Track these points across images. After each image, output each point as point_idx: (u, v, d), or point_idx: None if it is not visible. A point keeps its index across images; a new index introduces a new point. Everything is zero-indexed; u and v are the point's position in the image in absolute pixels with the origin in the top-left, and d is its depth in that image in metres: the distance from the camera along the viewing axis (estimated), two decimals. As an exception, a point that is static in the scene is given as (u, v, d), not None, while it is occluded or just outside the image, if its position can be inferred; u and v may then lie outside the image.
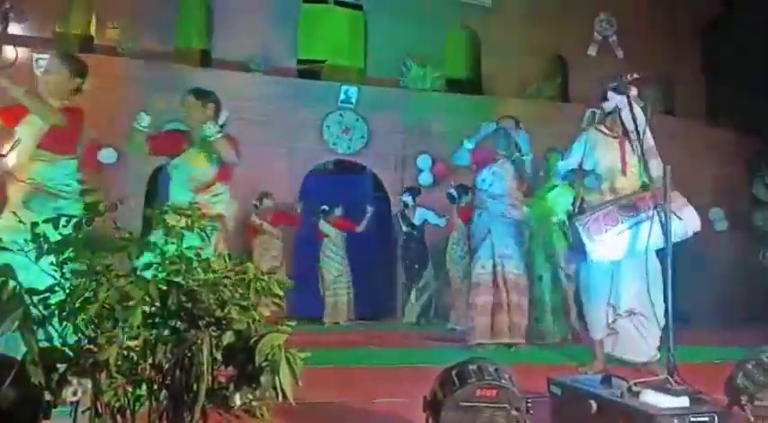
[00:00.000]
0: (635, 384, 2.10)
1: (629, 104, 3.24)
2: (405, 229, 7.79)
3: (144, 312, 1.39)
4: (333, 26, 9.88)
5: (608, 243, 3.21)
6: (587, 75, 9.66)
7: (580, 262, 3.54)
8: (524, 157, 4.90)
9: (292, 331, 1.53)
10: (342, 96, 8.67)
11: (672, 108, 10.70)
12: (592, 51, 10.36)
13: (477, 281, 4.61)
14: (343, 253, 7.69)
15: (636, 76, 3.19)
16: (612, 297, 3.38)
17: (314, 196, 8.07)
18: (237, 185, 7.55)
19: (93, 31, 8.56)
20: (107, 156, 7.49)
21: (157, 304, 1.41)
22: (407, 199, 7.79)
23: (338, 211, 7.80)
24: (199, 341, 1.39)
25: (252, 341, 1.42)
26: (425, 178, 8.75)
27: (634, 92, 3.32)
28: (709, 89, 11.30)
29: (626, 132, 3.47)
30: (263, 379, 1.40)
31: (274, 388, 1.39)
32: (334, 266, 7.61)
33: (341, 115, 8.69)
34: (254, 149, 8.01)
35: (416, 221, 7.75)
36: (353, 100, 8.66)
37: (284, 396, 1.40)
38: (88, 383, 1.38)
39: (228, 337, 1.42)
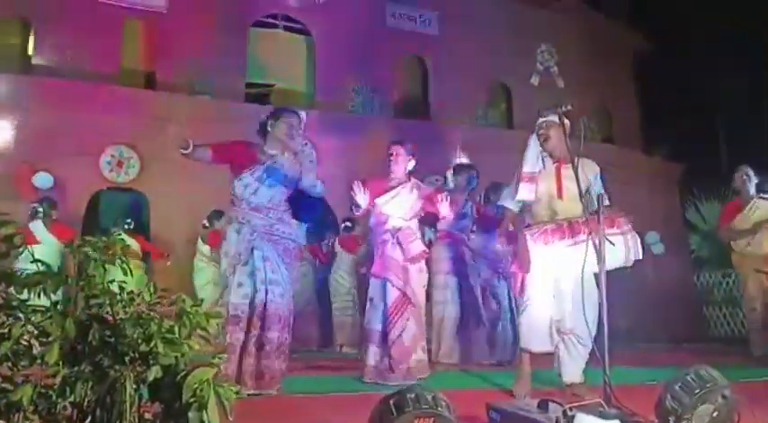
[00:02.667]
0: (570, 408, 2.13)
1: (564, 134, 3.36)
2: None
3: (63, 348, 1.33)
4: (282, 50, 9.91)
5: (554, 255, 3.28)
6: (530, 103, 9.99)
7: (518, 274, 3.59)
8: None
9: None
10: (291, 121, 8.64)
11: (610, 136, 11.16)
12: (534, 81, 10.74)
13: None
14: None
15: (569, 107, 3.31)
16: (554, 313, 3.43)
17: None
18: (185, 212, 7.51)
19: (31, 50, 8.30)
20: (43, 180, 7.17)
21: (78, 340, 1.35)
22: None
23: None
24: (121, 378, 1.33)
25: (180, 376, 1.38)
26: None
27: (567, 122, 3.45)
28: (644, 118, 11.88)
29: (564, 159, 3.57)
30: (190, 415, 1.35)
31: (202, 424, 1.35)
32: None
33: (289, 140, 8.65)
34: (204, 175, 7.91)
35: None
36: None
37: (212, 433, 1.35)
38: (1, 425, 1.30)
39: (155, 373, 1.37)
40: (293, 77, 10.01)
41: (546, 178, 3.56)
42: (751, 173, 5.37)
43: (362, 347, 4.26)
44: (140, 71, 8.98)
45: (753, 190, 5.33)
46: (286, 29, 9.77)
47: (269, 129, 3.85)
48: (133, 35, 8.94)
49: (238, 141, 3.89)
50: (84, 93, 7.65)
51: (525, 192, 3.59)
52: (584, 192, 3.24)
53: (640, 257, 3.32)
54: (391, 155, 4.51)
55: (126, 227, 6.74)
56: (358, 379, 4.11)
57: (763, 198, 5.29)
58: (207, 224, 7.00)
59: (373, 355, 4.08)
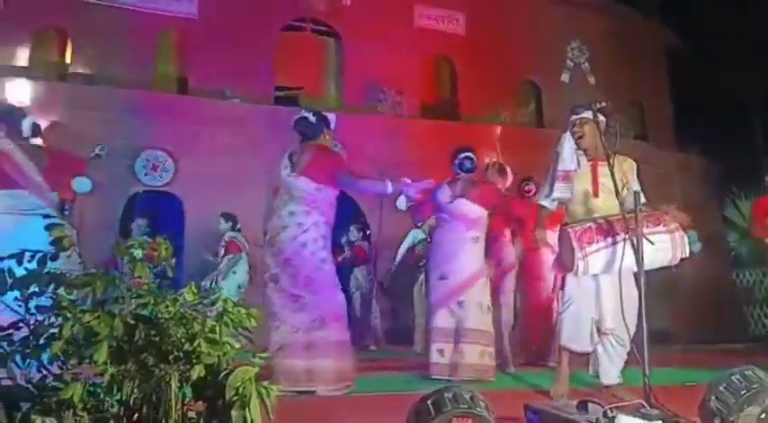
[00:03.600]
0: (610, 409, 2.10)
1: (599, 131, 3.31)
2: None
3: (110, 347, 1.36)
4: (310, 53, 10.00)
5: (597, 254, 3.23)
6: (561, 101, 9.87)
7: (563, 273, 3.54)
8: None
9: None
10: (319, 123, 8.70)
11: (643, 133, 10.95)
12: (564, 78, 10.61)
13: None
14: None
15: (603, 103, 3.26)
16: (595, 313, 3.38)
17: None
18: (217, 214, 7.62)
19: (69, 58, 8.54)
20: (81, 184, 7.33)
21: (125, 339, 1.38)
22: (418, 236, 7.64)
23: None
24: (167, 376, 1.36)
25: (222, 375, 1.40)
26: (402, 202, 8.79)
27: (602, 119, 3.39)
28: (677, 115, 11.63)
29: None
30: (233, 414, 1.37)
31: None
32: None
33: (318, 142, 8.72)
34: (236, 177, 8.03)
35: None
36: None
37: (255, 431, 1.37)
38: (53, 422, 1.34)
39: (198, 372, 1.39)
40: (321, 80, 10.09)
41: (582, 176, 3.50)
42: None
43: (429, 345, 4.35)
44: (173, 77, 9.16)
45: None
46: (314, 32, 9.85)
47: (319, 132, 3.89)
48: (165, 42, 9.13)
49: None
50: (119, 99, 7.83)
51: (562, 190, 3.54)
52: (620, 189, 3.18)
53: (687, 256, 3.24)
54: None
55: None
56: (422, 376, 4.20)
57: None
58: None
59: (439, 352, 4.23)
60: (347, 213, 7.90)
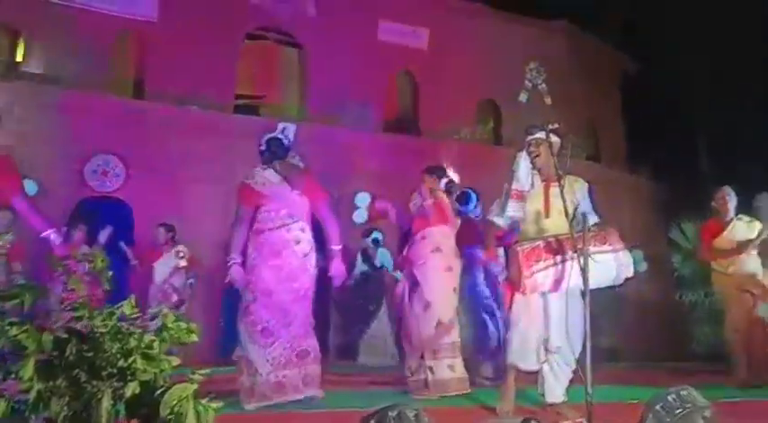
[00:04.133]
0: (552, 428, 2.13)
1: (551, 152, 3.39)
2: (363, 268, 7.69)
3: (39, 363, 1.30)
4: (272, 63, 9.94)
5: (544, 272, 3.28)
6: (518, 120, 10.08)
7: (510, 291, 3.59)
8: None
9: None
10: (278, 134, 8.63)
11: (596, 155, 11.28)
12: (522, 98, 10.85)
13: None
14: None
15: (556, 125, 3.35)
16: (543, 331, 3.43)
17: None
18: (171, 222, 7.44)
19: (20, 57, 8.25)
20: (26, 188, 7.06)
21: (55, 354, 1.33)
22: (376, 236, 7.69)
23: None
24: (99, 393, 1.31)
25: (158, 393, 1.36)
26: (361, 216, 8.80)
27: (555, 140, 3.48)
28: (629, 138, 12.03)
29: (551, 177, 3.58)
30: (168, 432, 1.34)
31: (180, 442, 1.33)
32: None
33: (277, 152, 8.65)
34: (188, 185, 7.88)
35: (378, 263, 7.72)
36: (290, 137, 8.62)
37: (190, 450, 1.33)
38: (-27, 440, 1.27)
39: (132, 389, 1.35)
40: (283, 90, 10.04)
41: (535, 196, 3.58)
42: (732, 193, 5.41)
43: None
44: (129, 81, 8.96)
45: (733, 211, 5.36)
46: (277, 41, 9.80)
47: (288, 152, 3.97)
48: (123, 44, 8.93)
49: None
50: (72, 101, 7.61)
51: (515, 209, 3.60)
52: (570, 210, 3.26)
53: (631, 275, 3.33)
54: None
55: None
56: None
57: (742, 219, 5.33)
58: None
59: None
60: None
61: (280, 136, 3.95)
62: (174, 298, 6.81)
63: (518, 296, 3.45)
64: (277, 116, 9.15)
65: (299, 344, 3.66)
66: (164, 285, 6.83)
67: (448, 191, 4.92)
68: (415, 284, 4.47)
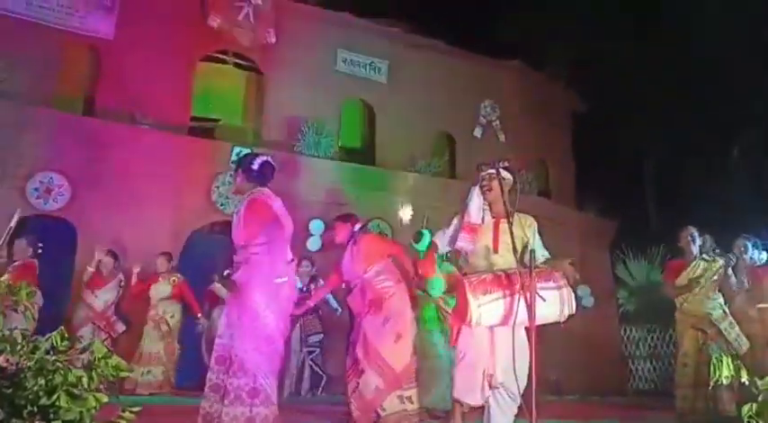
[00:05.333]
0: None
1: (501, 188, 3.46)
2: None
3: (-47, 400, 1.21)
4: (230, 86, 9.87)
5: (490, 305, 3.29)
6: (473, 154, 10.28)
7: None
8: None
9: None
10: (233, 157, 8.53)
11: (546, 190, 11.57)
12: (477, 133, 11.09)
13: None
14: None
15: (507, 163, 3.42)
16: (489, 366, 3.42)
17: (197, 257, 7.71)
18: (116, 243, 7.19)
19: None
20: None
21: (-29, 391, 1.24)
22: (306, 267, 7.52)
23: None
24: (17, 434, 1.22)
25: (83, 432, 1.28)
26: (315, 243, 8.72)
27: (507, 175, 3.55)
28: (579, 175, 12.42)
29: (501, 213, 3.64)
30: (92, 476, 1.26)
31: (104, 486, 1.25)
32: None
33: (231, 176, 8.53)
34: (138, 206, 7.65)
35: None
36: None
37: (114, 496, 1.25)
38: None
39: (55, 428, 1.27)
40: (240, 113, 9.96)
41: (485, 231, 3.61)
42: (696, 233, 5.57)
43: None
44: (79, 96, 8.71)
45: (696, 250, 5.52)
46: (236, 65, 9.76)
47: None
48: (75, 60, 8.70)
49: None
50: (14, 115, 7.33)
51: (465, 241, 3.63)
52: (518, 247, 3.30)
53: (573, 312, 3.38)
54: None
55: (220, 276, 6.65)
56: None
57: (705, 259, 5.49)
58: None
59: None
60: (201, 253, 7.72)
61: (270, 159, 3.87)
62: (120, 327, 6.61)
63: (465, 330, 3.45)
64: (232, 140, 9.07)
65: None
66: (107, 313, 6.62)
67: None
68: (385, 320, 4.42)
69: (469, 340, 3.45)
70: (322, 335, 7.31)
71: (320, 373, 7.24)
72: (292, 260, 3.81)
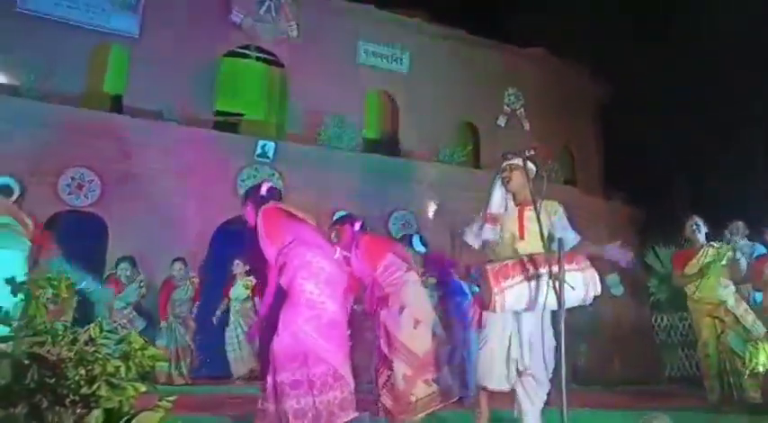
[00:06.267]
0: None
1: (527, 177, 3.42)
2: None
3: (-1, 389, 1.25)
4: (253, 80, 9.95)
5: (513, 289, 3.27)
6: (497, 143, 10.20)
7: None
8: None
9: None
10: (258, 150, 8.62)
11: (573, 179, 11.43)
12: (501, 122, 10.99)
13: None
14: None
15: (532, 151, 3.38)
16: (514, 351, 3.41)
17: (224, 250, 7.82)
18: (146, 238, 7.33)
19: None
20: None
21: (15, 380, 1.28)
22: None
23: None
24: (60, 421, 1.26)
25: (123, 421, 1.31)
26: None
27: (531, 166, 3.51)
28: (606, 163, 12.23)
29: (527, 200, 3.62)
30: (132, 462, 1.29)
31: (144, 473, 1.28)
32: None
33: (256, 169, 8.62)
34: (166, 201, 7.79)
35: None
36: (270, 155, 8.63)
37: (155, 481, 1.29)
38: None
39: (96, 417, 1.30)
40: (263, 107, 10.03)
41: (509, 220, 3.59)
42: (701, 222, 5.53)
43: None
44: (107, 94, 8.88)
45: (703, 238, 5.48)
46: (258, 59, 9.82)
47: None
48: (102, 58, 8.86)
49: None
50: (47, 114, 7.50)
51: (489, 232, 3.61)
52: (545, 234, 3.27)
53: (599, 293, 3.34)
54: None
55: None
56: None
57: (712, 246, 5.44)
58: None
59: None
60: (236, 247, 7.82)
61: (276, 186, 3.97)
62: (139, 323, 6.74)
63: (489, 315, 3.44)
64: (257, 134, 9.16)
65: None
66: (125, 310, 6.76)
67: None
68: (402, 308, 4.47)
69: (493, 326, 3.44)
70: (349, 331, 7.37)
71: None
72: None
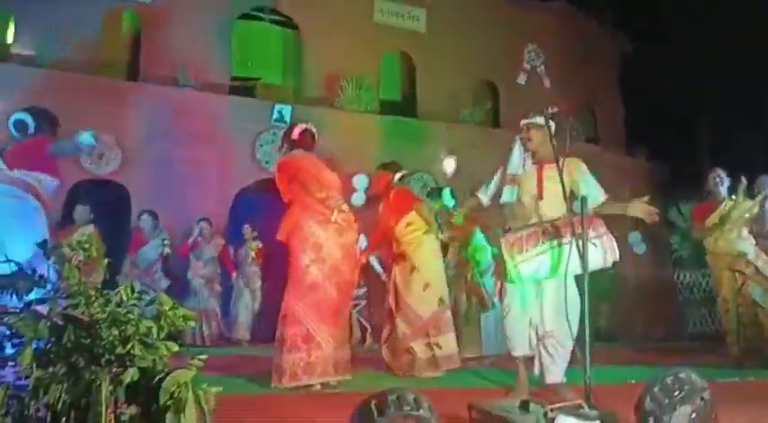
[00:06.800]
0: (551, 410, 2.14)
1: (549, 135, 3.36)
2: None
3: (38, 349, 1.29)
4: (267, 44, 9.84)
5: (529, 262, 3.28)
6: (517, 102, 10.02)
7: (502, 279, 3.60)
8: None
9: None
10: (275, 115, 8.59)
11: (595, 137, 11.24)
12: (521, 80, 10.77)
13: None
14: None
15: (555, 109, 3.31)
16: (535, 316, 3.44)
17: (245, 216, 7.91)
18: (167, 204, 7.42)
19: (10, 39, 8.12)
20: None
21: (52, 341, 1.32)
22: None
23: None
24: (98, 379, 1.30)
25: (157, 379, 1.35)
26: (359, 198, 8.77)
27: (553, 124, 3.45)
28: (627, 120, 11.98)
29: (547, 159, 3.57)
30: (167, 418, 1.33)
31: (179, 428, 1.32)
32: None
33: (274, 134, 8.60)
34: (185, 167, 7.84)
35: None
36: (287, 119, 8.59)
37: (190, 437, 1.33)
38: (-29, 427, 1.27)
39: (131, 375, 1.34)
40: (279, 71, 9.94)
41: (527, 179, 3.56)
42: (723, 175, 5.45)
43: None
44: (123, 61, 8.85)
45: (725, 191, 5.41)
46: (273, 22, 9.68)
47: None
48: (116, 25, 8.80)
49: None
50: (64, 82, 7.51)
51: (508, 193, 3.59)
52: (568, 193, 3.24)
53: (617, 258, 3.33)
54: None
55: None
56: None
57: (734, 199, 5.36)
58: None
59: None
60: (245, 211, 7.89)
61: (311, 128, 4.04)
62: (164, 283, 6.86)
63: (507, 285, 3.47)
64: (273, 98, 9.10)
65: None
66: (150, 270, 6.86)
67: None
68: (413, 269, 4.53)
69: (514, 294, 3.48)
70: (365, 288, 7.45)
71: (365, 324, 7.43)
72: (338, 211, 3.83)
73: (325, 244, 3.74)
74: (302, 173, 3.84)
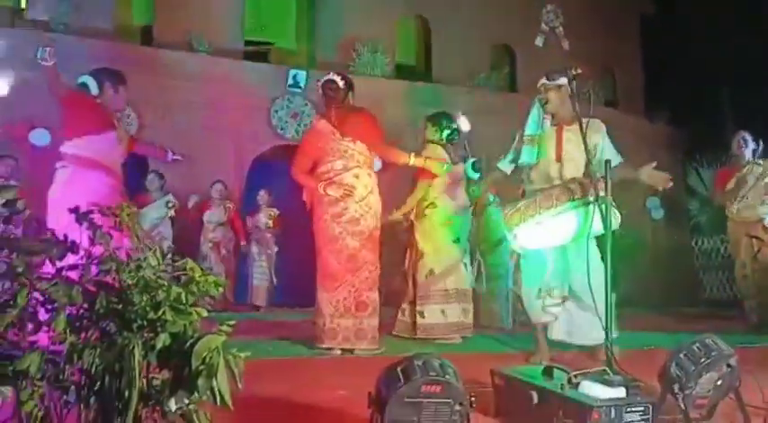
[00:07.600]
0: (575, 375, 2.14)
1: (571, 97, 3.30)
2: None
3: (71, 315, 1.30)
4: (281, 8, 9.68)
5: (541, 226, 3.25)
6: (535, 65, 9.80)
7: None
8: None
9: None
10: (290, 80, 8.51)
11: (614, 100, 11.02)
12: (539, 41, 10.52)
13: None
14: None
15: (579, 70, 3.23)
16: (554, 280, 3.44)
17: (260, 182, 7.91)
18: (182, 170, 7.43)
19: (23, 3, 8.06)
20: (39, 137, 7.05)
21: (85, 307, 1.33)
22: None
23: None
24: (130, 345, 1.31)
25: (188, 344, 1.36)
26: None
27: (575, 86, 3.37)
28: (648, 83, 11.72)
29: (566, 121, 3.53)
30: (199, 382, 1.34)
31: (212, 392, 1.34)
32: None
33: (289, 100, 8.54)
34: (201, 133, 7.83)
35: None
36: (302, 84, 8.51)
37: (222, 400, 1.34)
38: (8, 391, 1.29)
39: (163, 340, 1.35)
40: (293, 36, 9.80)
41: (546, 140, 3.53)
42: (749, 138, 5.36)
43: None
44: (136, 27, 8.77)
45: (749, 155, 5.32)
46: (285, -15, 9.51)
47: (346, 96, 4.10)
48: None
49: None
50: (77, 49, 7.46)
51: (526, 154, 3.56)
52: (590, 154, 3.19)
53: (617, 227, 3.31)
54: None
55: None
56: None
57: (758, 163, 5.26)
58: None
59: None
60: (261, 177, 7.86)
61: (334, 78, 4.10)
62: (166, 245, 6.86)
63: (521, 254, 3.49)
64: (287, 63, 9.00)
65: (360, 295, 3.69)
66: (152, 232, 6.86)
67: (449, 142, 4.89)
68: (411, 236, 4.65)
69: (524, 263, 3.49)
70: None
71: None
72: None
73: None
74: (309, 147, 4.01)
